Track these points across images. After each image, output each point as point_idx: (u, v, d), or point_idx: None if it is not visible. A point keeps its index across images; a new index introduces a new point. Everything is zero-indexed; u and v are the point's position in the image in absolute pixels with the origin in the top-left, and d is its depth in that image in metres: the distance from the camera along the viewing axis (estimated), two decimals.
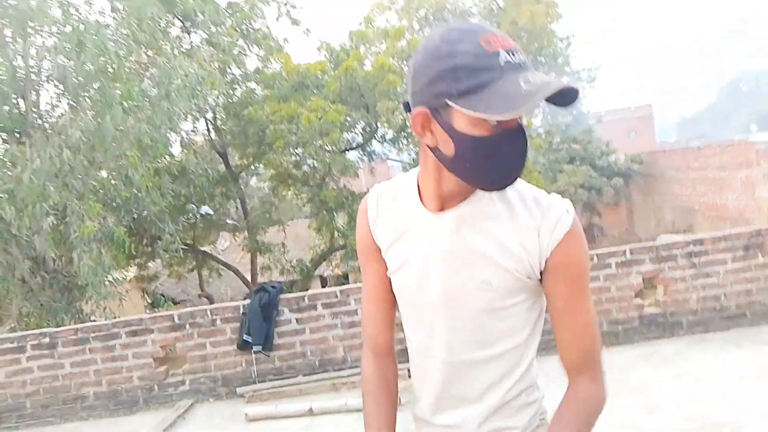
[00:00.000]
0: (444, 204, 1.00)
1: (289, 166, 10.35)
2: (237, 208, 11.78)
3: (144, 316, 4.85)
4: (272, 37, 11.08)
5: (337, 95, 10.09)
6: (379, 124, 10.72)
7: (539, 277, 1.00)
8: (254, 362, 4.71)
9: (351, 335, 4.71)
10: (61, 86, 7.89)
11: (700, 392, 3.73)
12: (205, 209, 11.40)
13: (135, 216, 9.23)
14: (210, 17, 9.81)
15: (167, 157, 9.80)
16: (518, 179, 0.97)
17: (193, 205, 10.79)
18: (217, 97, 10.02)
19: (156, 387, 4.75)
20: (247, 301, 4.79)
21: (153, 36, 8.19)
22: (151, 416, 4.53)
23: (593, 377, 1.02)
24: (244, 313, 4.71)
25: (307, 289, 8.78)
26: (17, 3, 6.89)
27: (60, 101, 8.12)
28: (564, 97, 0.85)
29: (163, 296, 12.73)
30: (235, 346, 4.72)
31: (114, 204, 8.30)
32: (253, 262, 11.62)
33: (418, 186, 1.04)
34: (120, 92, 7.35)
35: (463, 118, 0.88)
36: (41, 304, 7.62)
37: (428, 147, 0.95)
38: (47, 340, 4.73)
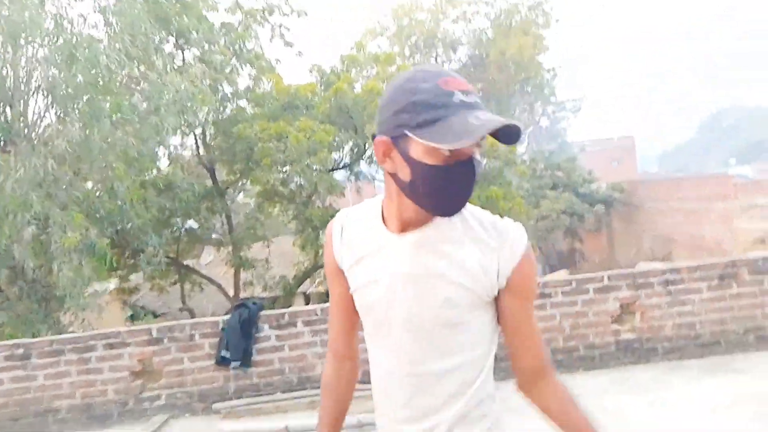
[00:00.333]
0: (405, 227, 1.08)
1: (276, 183, 10.39)
2: (222, 223, 11.76)
3: (121, 329, 4.82)
4: (264, 57, 11.22)
5: (326, 116, 10.21)
6: (367, 146, 10.84)
7: (496, 294, 1.09)
8: (232, 378, 4.68)
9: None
10: (49, 97, 7.90)
11: (673, 419, 3.79)
12: (190, 223, 11.36)
13: (118, 228, 9.18)
14: (204, 36, 9.92)
15: (154, 170, 9.79)
16: (476, 208, 1.10)
17: (178, 219, 10.76)
18: (207, 113, 10.08)
19: (131, 401, 4.69)
20: (227, 317, 4.78)
21: (145, 51, 8.24)
22: (125, 431, 4.46)
23: (554, 374, 1.15)
24: (223, 329, 4.69)
25: (289, 306, 8.75)
26: (10, 14, 6.92)
27: (48, 112, 8.12)
28: (510, 136, 0.97)
29: (143, 309, 12.57)
30: (213, 362, 4.70)
31: (97, 215, 8.25)
32: (236, 278, 11.57)
33: (383, 210, 1.12)
34: (109, 105, 7.38)
35: (419, 147, 0.98)
36: (18, 315, 7.50)
37: (389, 173, 1.05)
38: (21, 351, 4.66)
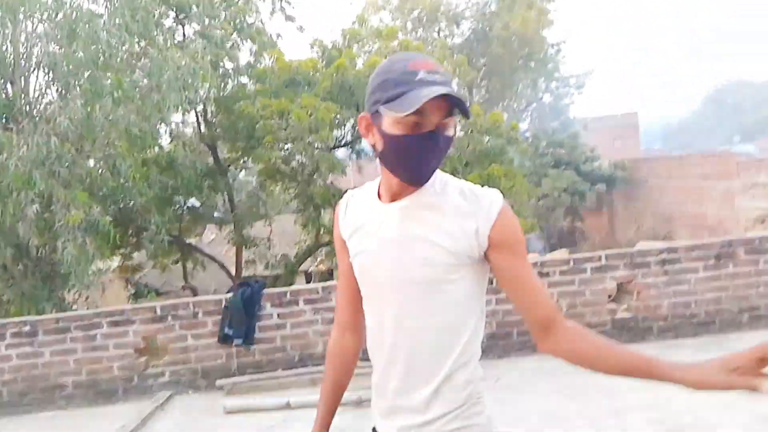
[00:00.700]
0: (394, 198, 1.20)
1: (277, 161, 10.39)
2: (224, 201, 11.80)
3: (126, 307, 4.90)
4: (265, 32, 11.10)
5: (327, 93, 10.14)
6: None
7: (482, 255, 1.16)
8: (235, 355, 4.78)
9: (331, 331, 4.78)
10: (50, 73, 7.87)
11: (666, 396, 3.86)
12: (192, 201, 11.40)
13: (121, 206, 9.22)
14: (204, 10, 9.80)
15: (156, 148, 9.79)
16: (460, 180, 1.21)
17: (180, 197, 10.80)
18: (209, 90, 10.03)
19: (136, 378, 4.80)
20: (230, 295, 4.85)
21: (146, 27, 8.17)
22: (130, 407, 4.57)
23: (565, 320, 1.18)
24: (226, 307, 4.77)
25: (291, 284, 8.84)
26: None
27: (49, 89, 8.09)
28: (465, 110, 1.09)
29: (147, 287, 12.71)
30: (216, 339, 4.79)
31: (100, 194, 8.29)
32: (238, 256, 11.66)
33: (380, 186, 1.26)
34: (110, 82, 7.34)
35: (388, 119, 1.11)
36: (23, 292, 7.60)
37: (371, 146, 1.19)
38: (28, 328, 4.75)
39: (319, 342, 4.82)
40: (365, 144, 11.71)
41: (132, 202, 9.05)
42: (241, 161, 11.72)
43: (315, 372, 4.64)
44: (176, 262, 11.96)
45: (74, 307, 8.05)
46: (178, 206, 10.93)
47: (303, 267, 12.88)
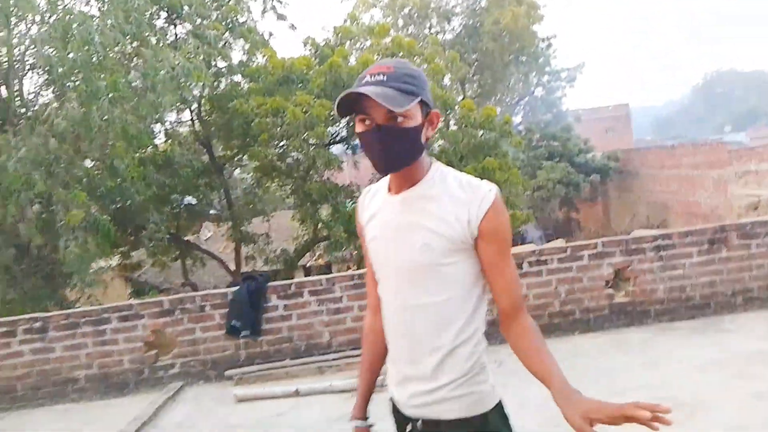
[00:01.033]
0: (398, 189, 1.33)
1: (273, 158, 10.45)
2: (220, 198, 11.85)
3: (134, 302, 4.98)
4: (257, 31, 11.13)
5: (321, 90, 10.20)
6: None
7: (473, 243, 1.28)
8: (242, 346, 4.87)
9: (336, 321, 4.90)
10: (45, 75, 7.89)
11: (663, 376, 3.99)
12: (189, 199, 11.45)
13: (119, 205, 9.26)
14: (196, 9, 9.82)
15: (151, 147, 9.82)
16: (460, 172, 1.33)
17: (177, 196, 10.84)
18: (203, 89, 10.05)
19: (146, 370, 4.89)
20: (236, 288, 4.94)
21: (139, 27, 8.19)
22: (142, 398, 4.65)
23: (525, 312, 1.32)
24: (232, 300, 4.86)
25: (292, 278, 8.91)
26: None
27: (45, 91, 8.11)
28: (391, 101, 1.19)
29: (147, 284, 12.76)
30: (223, 332, 4.87)
31: (98, 193, 8.33)
32: (237, 252, 11.72)
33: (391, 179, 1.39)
34: (106, 83, 7.37)
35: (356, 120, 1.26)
36: (25, 292, 7.65)
37: None
38: (38, 324, 4.82)
39: (324, 332, 4.92)
40: None
41: (130, 201, 9.09)
42: (237, 159, 11.77)
43: (321, 361, 4.74)
44: (175, 259, 12.00)
45: (76, 305, 8.09)
46: (175, 204, 10.97)
47: (301, 262, 12.96)
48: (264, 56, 10.99)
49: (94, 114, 7.11)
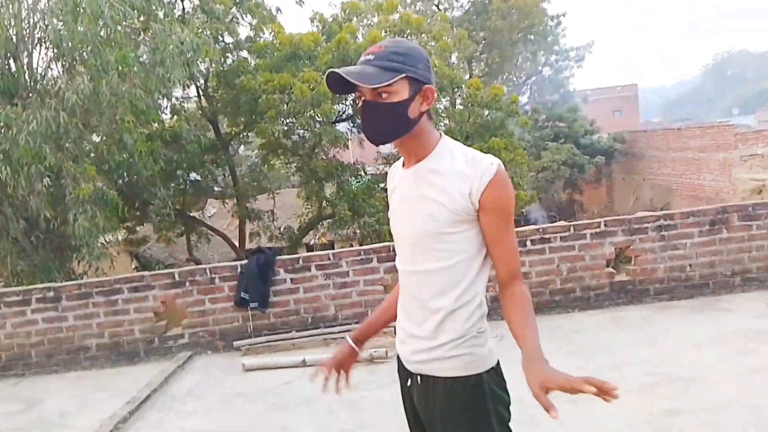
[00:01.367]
0: (409, 164, 1.45)
1: (279, 135, 10.48)
2: (225, 175, 11.92)
3: (145, 274, 5.09)
4: (265, 6, 11.07)
5: (329, 67, 10.17)
6: None
7: (475, 214, 1.37)
8: (250, 318, 4.99)
9: (342, 295, 5.01)
10: (54, 49, 7.89)
11: (661, 352, 4.07)
12: (194, 176, 11.52)
13: (126, 180, 9.34)
14: None
15: (158, 122, 9.85)
16: (468, 147, 1.42)
17: (183, 172, 10.91)
18: (210, 65, 10.04)
19: (156, 340, 5.02)
20: (245, 261, 5.04)
21: (147, 1, 8.17)
22: (152, 366, 4.79)
23: (521, 281, 1.42)
24: (241, 273, 4.97)
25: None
26: None
27: (54, 64, 8.12)
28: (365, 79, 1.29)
29: (152, 259, 12.91)
30: (232, 303, 4.99)
31: (106, 167, 8.40)
32: (241, 229, 11.83)
33: None
34: (115, 57, 7.39)
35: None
36: (35, 264, 7.78)
37: None
38: (51, 294, 4.95)
39: (330, 305, 5.03)
40: None
41: (136, 176, 9.16)
42: (242, 135, 11.80)
43: (327, 333, 4.86)
44: (180, 234, 12.13)
45: (85, 277, 8.22)
46: (181, 180, 11.05)
47: (304, 240, 13.07)
48: (271, 32, 10.95)
49: (103, 88, 7.15)
